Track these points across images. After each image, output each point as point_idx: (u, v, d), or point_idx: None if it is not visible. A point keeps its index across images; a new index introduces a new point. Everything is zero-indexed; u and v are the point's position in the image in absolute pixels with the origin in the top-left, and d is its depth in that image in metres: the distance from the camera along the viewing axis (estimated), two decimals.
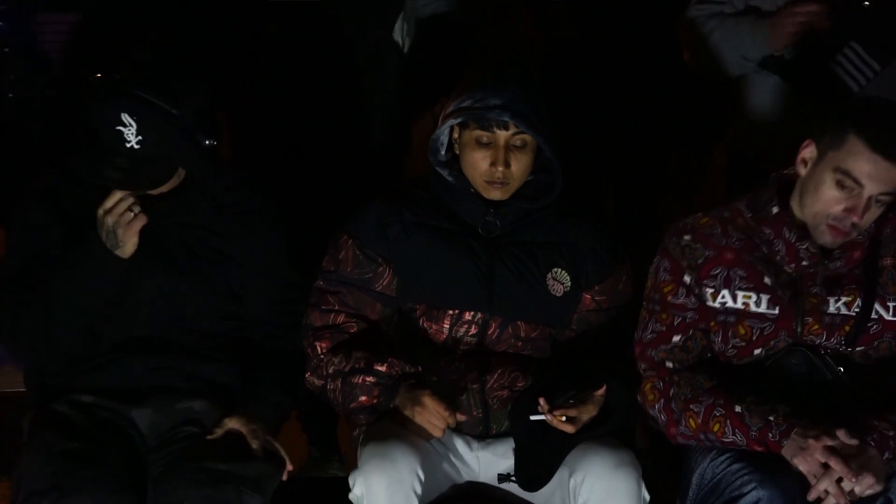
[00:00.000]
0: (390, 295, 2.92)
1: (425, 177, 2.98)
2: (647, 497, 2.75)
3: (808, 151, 2.75)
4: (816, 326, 2.77)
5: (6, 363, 3.61)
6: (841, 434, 2.59)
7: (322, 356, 2.88)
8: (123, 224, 2.76)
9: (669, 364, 2.80)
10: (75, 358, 2.87)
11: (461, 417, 2.79)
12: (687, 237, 2.83)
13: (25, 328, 2.85)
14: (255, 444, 2.78)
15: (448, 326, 2.90)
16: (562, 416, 2.74)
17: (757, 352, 2.79)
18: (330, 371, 2.86)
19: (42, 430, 2.78)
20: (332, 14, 3.35)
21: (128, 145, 2.74)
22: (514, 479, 2.82)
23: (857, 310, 2.77)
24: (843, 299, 2.78)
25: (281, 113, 3.40)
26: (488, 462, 2.88)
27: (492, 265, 2.90)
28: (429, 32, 3.49)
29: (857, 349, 2.78)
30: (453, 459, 2.87)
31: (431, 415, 2.74)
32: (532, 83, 2.90)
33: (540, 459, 2.77)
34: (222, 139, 2.91)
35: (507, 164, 2.85)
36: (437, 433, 2.76)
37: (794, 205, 2.79)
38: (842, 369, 2.76)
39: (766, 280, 2.78)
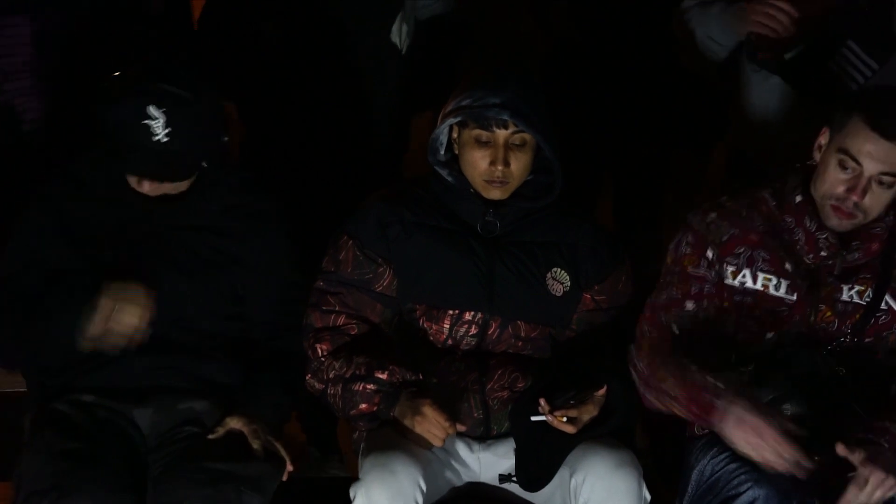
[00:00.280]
0: (390, 295, 2.92)
1: (425, 177, 2.98)
2: (648, 497, 2.75)
3: (824, 137, 2.78)
4: (829, 314, 2.78)
5: None
6: (840, 450, 2.57)
7: (323, 359, 2.88)
8: (115, 335, 2.73)
9: (675, 330, 2.79)
10: (75, 358, 2.85)
11: (461, 428, 2.79)
12: (713, 214, 2.83)
13: (6, 337, 2.85)
14: (255, 445, 2.78)
15: (448, 326, 2.90)
16: (562, 416, 2.74)
17: (769, 336, 2.79)
18: (330, 375, 2.86)
19: (42, 429, 2.78)
20: (331, 14, 3.35)
21: (155, 138, 2.73)
22: (514, 479, 2.82)
23: (867, 299, 2.79)
24: (857, 288, 2.79)
25: (281, 113, 3.40)
26: (489, 463, 2.88)
27: (492, 265, 2.90)
28: (428, 33, 3.49)
29: (865, 340, 2.79)
30: (454, 463, 2.87)
31: (432, 425, 2.74)
32: (532, 83, 2.90)
33: (540, 460, 2.77)
34: (233, 136, 2.91)
35: (506, 163, 2.85)
36: (437, 443, 2.76)
37: (814, 192, 2.80)
38: (843, 370, 2.76)
39: (787, 266, 2.79)
